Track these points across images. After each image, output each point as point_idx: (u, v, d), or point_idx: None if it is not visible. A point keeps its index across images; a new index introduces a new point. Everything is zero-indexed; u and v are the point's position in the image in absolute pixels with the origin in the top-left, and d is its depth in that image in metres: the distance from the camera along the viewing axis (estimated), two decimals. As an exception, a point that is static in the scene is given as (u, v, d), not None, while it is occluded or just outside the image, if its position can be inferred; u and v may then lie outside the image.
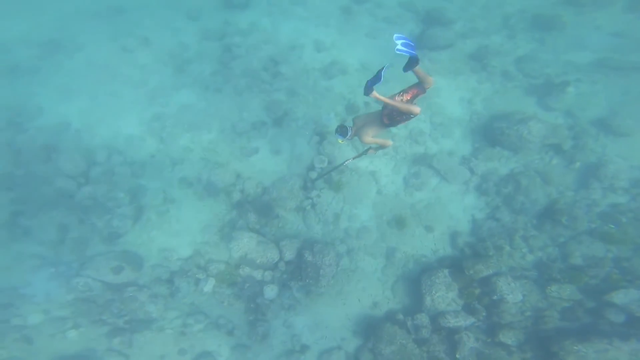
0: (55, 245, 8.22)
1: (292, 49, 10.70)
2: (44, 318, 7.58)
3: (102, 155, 9.41)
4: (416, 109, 5.80)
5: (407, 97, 5.88)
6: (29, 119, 9.79)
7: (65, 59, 10.88)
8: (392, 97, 5.74)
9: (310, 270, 8.10)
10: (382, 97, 5.54)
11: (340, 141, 6.35)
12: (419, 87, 5.74)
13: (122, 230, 8.43)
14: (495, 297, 7.57)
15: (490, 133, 9.28)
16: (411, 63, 5.49)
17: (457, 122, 9.64)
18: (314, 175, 8.87)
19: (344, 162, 7.20)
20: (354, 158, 6.97)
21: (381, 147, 6.43)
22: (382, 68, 5.30)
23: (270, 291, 8.03)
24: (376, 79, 5.37)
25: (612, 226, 7.91)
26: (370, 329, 7.74)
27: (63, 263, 8.02)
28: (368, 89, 5.44)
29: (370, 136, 6.27)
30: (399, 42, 5.48)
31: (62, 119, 9.89)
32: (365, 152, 6.70)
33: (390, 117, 6.05)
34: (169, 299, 7.90)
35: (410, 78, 5.52)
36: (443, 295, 7.79)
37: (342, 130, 6.26)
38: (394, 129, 9.08)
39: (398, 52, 5.38)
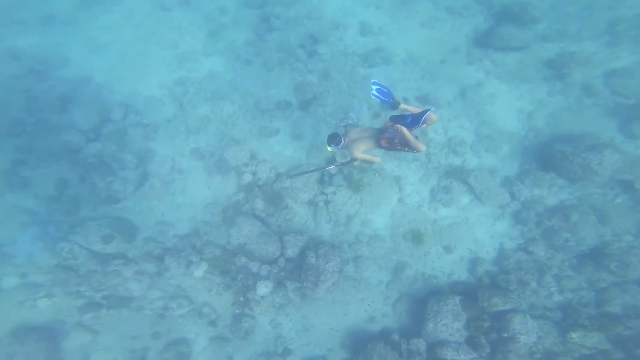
0: (50, 201, 8.27)
1: (335, 28, 10.21)
2: (18, 282, 7.58)
3: (118, 113, 9.34)
4: (422, 147, 6.07)
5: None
6: (52, 69, 9.91)
7: (101, 12, 10.95)
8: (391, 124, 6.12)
9: (311, 274, 7.70)
10: (406, 132, 5.92)
11: (329, 149, 6.39)
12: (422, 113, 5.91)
13: (122, 195, 8.38)
14: (505, 335, 7.18)
15: (548, 156, 8.44)
16: (393, 106, 6.10)
17: (508, 137, 8.88)
18: (333, 170, 8.50)
19: (327, 167, 7.38)
20: (336, 165, 7.02)
21: (369, 162, 6.62)
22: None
23: (264, 287, 7.73)
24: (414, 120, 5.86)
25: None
26: (360, 344, 7.48)
27: (53, 223, 8.04)
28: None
29: (361, 152, 6.40)
30: (374, 87, 6.19)
31: (85, 72, 9.92)
32: (350, 163, 6.72)
33: (391, 142, 6.20)
34: (155, 278, 7.79)
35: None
36: (448, 324, 7.37)
37: (334, 139, 6.33)
38: (430, 132, 8.77)
39: (373, 97, 6.10)
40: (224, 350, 7.43)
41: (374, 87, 6.16)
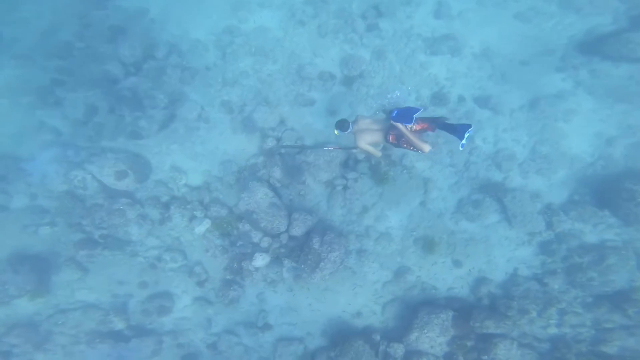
0: (77, 125, 8.56)
1: (406, 3, 9.54)
2: (27, 204, 7.94)
3: (162, 51, 9.38)
4: (427, 148, 6.13)
5: (417, 127, 6.11)
6: (112, -3, 9.90)
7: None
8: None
9: (311, 258, 7.55)
10: (404, 129, 6.02)
11: (335, 133, 6.45)
12: (432, 124, 6.06)
13: (146, 132, 8.52)
14: (485, 358, 7.21)
15: (610, 191, 7.75)
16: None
17: (570, 161, 8.15)
18: (361, 155, 8.15)
19: (325, 147, 7.46)
20: (333, 147, 7.26)
21: (369, 154, 6.76)
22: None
23: (261, 260, 7.72)
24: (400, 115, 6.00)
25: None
26: (340, 336, 7.58)
27: (74, 147, 8.29)
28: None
29: (366, 143, 6.49)
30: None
31: (142, 4, 10.02)
32: (351, 150, 6.97)
33: (398, 139, 6.28)
34: (157, 226, 7.94)
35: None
36: (433, 337, 7.37)
37: (342, 125, 6.41)
38: (478, 139, 8.46)
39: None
40: (205, 311, 7.59)
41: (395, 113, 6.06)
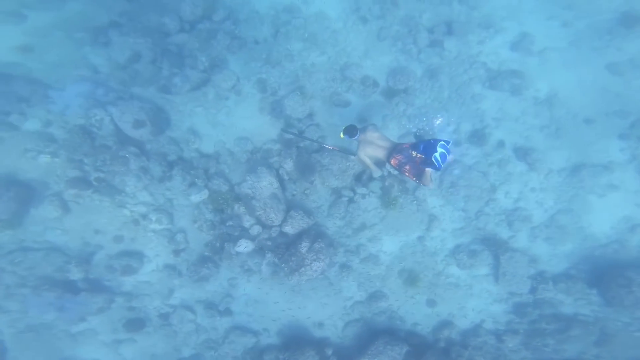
0: (116, 68, 8.80)
1: (484, 27, 9.11)
2: (38, 129, 8.12)
3: (220, 15, 9.43)
4: (431, 184, 6.38)
5: (422, 155, 6.21)
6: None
7: None
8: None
9: (294, 260, 7.57)
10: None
11: (341, 136, 6.64)
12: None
13: (176, 90, 8.75)
14: None
15: (608, 274, 7.86)
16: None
17: (583, 237, 8.14)
18: (377, 172, 7.89)
19: (326, 145, 7.45)
20: (332, 147, 7.29)
21: (366, 167, 6.95)
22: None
23: (245, 246, 7.81)
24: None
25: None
26: (294, 340, 7.80)
27: (105, 87, 8.53)
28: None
29: (366, 155, 6.66)
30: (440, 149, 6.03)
31: None
32: (348, 154, 7.22)
33: (400, 165, 6.39)
34: (155, 182, 8.04)
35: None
36: None
37: (350, 131, 6.59)
38: (501, 193, 8.32)
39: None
40: (170, 281, 7.77)
41: (440, 150, 6.07)
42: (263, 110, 8.49)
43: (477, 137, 8.25)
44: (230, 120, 8.48)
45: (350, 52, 8.92)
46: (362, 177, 8.04)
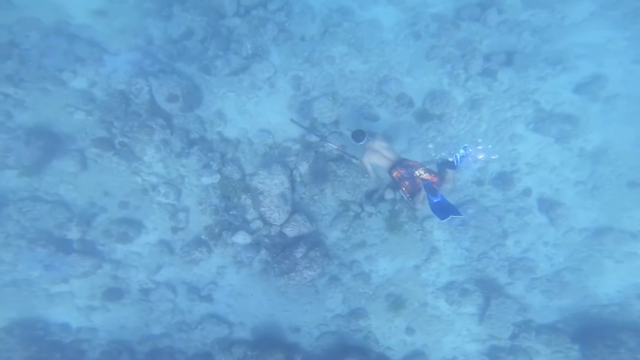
0: (168, 41, 9.19)
1: (552, 63, 8.63)
2: (83, 88, 8.60)
3: (275, 5, 9.47)
4: (419, 205, 6.65)
5: (425, 175, 6.53)
6: None
7: None
8: (418, 164, 6.71)
9: (287, 263, 7.71)
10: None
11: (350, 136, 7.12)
12: (440, 180, 6.53)
13: (215, 72, 9.08)
14: None
15: (598, 333, 7.64)
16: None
17: (584, 295, 7.95)
18: (390, 194, 8.03)
19: (331, 143, 7.68)
20: (337, 147, 7.53)
21: (365, 172, 7.35)
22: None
23: (242, 238, 8.01)
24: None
25: None
26: (266, 340, 7.93)
27: (153, 58, 8.95)
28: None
29: (369, 162, 6.92)
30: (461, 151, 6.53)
31: None
32: (351, 156, 7.53)
33: (401, 179, 6.63)
34: (172, 157, 8.36)
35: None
36: None
37: (358, 136, 6.84)
38: (512, 240, 8.21)
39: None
40: (161, 257, 8.06)
41: (461, 152, 6.61)
42: (292, 107, 8.73)
43: (503, 180, 8.13)
44: (257, 110, 8.79)
45: (393, 66, 8.97)
46: (373, 196, 8.16)
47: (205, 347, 7.96)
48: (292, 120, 8.14)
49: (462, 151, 6.61)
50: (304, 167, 8.24)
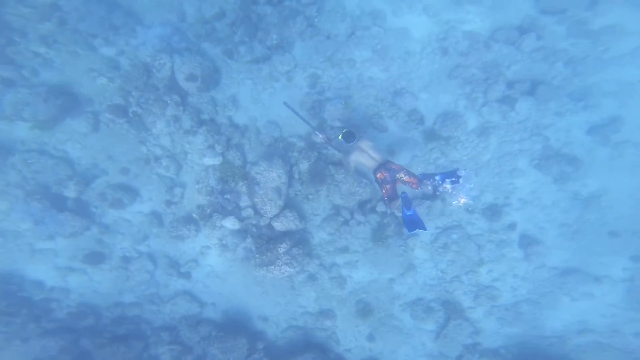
0: (199, 20, 9.28)
1: (575, 98, 8.62)
2: (110, 56, 8.88)
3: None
4: (395, 210, 7.46)
5: (406, 178, 6.90)
6: None
7: None
8: (401, 167, 6.98)
9: (269, 256, 8.01)
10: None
11: (340, 138, 7.22)
12: (420, 184, 6.93)
13: (237, 57, 9.24)
14: None
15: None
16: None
17: (532, 326, 8.45)
18: (381, 208, 8.32)
19: (316, 131, 7.54)
20: (323, 137, 7.54)
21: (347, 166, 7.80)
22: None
23: (231, 224, 8.31)
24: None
25: None
26: (233, 324, 8.35)
27: (181, 36, 9.12)
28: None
29: (354, 160, 7.24)
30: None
31: None
32: (335, 148, 7.75)
33: (383, 181, 6.89)
34: (180, 133, 8.71)
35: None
36: None
37: (348, 136, 7.09)
38: (498, 281, 8.66)
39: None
40: (149, 228, 8.48)
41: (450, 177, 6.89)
42: (304, 104, 8.95)
43: (493, 211, 8.39)
44: (271, 101, 9.03)
45: (412, 79, 9.09)
46: (365, 206, 8.45)
47: (173, 321, 8.42)
48: (284, 103, 8.14)
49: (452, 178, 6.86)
50: (304, 166, 8.50)
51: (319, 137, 7.84)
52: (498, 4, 9.30)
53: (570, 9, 8.97)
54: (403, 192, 7.00)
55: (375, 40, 9.30)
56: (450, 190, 7.05)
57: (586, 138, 8.56)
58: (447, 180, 6.94)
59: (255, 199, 8.22)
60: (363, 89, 8.98)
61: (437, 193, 7.29)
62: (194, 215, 8.44)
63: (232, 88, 9.18)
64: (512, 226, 8.45)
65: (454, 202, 7.47)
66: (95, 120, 8.73)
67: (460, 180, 6.86)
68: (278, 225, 8.19)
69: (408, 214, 6.77)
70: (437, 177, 7.01)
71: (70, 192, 8.35)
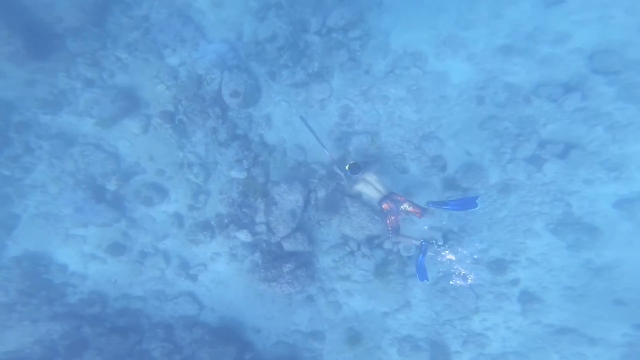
0: (253, 41, 9.93)
1: (608, 168, 8.43)
2: (174, 65, 9.79)
3: (356, 33, 9.75)
4: (398, 241, 8.03)
5: (410, 208, 7.30)
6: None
7: None
8: (405, 199, 7.39)
9: (273, 272, 8.43)
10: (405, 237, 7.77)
11: (346, 167, 7.72)
12: (424, 213, 7.31)
13: (279, 80, 9.67)
14: None
15: None
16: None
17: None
18: (388, 245, 8.64)
19: (327, 151, 8.10)
20: (331, 157, 8.09)
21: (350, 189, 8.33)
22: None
23: (244, 237, 8.89)
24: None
25: None
26: (227, 331, 8.73)
27: (235, 53, 9.85)
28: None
29: (359, 188, 7.69)
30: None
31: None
32: (343, 174, 8.06)
33: (387, 212, 7.30)
34: (214, 144, 9.25)
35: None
36: None
37: (354, 169, 7.53)
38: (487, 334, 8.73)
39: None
40: (170, 228, 9.16)
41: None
42: (332, 134, 9.48)
43: (498, 266, 8.49)
44: (301, 126, 9.38)
45: (442, 125, 9.33)
46: (373, 241, 8.84)
47: (171, 320, 9.03)
48: (300, 117, 8.87)
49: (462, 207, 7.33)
50: (321, 193, 9.00)
51: (328, 155, 8.29)
52: (549, 58, 9.35)
53: (625, 71, 8.82)
54: (424, 240, 7.54)
55: (413, 81, 9.64)
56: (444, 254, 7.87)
57: (611, 210, 8.43)
58: (461, 210, 7.25)
59: (270, 218, 8.83)
60: (391, 127, 9.37)
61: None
62: (212, 223, 9.13)
63: (269, 107, 9.87)
64: (515, 282, 8.53)
65: (442, 254, 8.13)
66: (147, 123, 9.74)
67: (477, 205, 7.14)
68: (287, 245, 8.76)
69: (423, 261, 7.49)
70: (447, 207, 7.35)
71: (111, 185, 9.34)
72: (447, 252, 8.53)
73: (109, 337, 8.59)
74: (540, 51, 9.41)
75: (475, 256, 8.71)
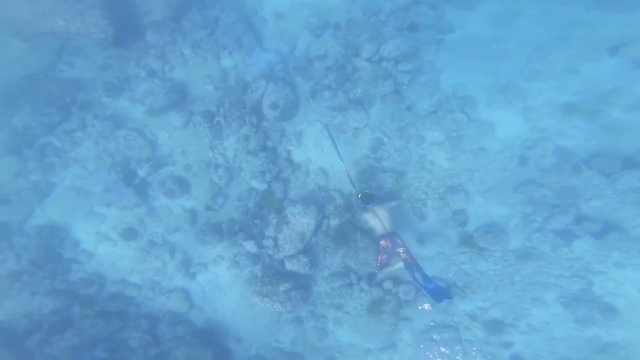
0: (303, 56, 10.36)
1: None
2: (227, 67, 10.40)
3: (406, 67, 9.88)
4: (380, 275, 7.97)
5: (403, 255, 7.51)
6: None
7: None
8: (404, 244, 7.59)
9: (269, 288, 8.60)
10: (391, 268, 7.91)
11: (359, 196, 8.07)
12: (410, 265, 7.43)
13: (319, 99, 9.96)
14: None
15: None
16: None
17: None
18: (388, 285, 8.52)
19: (347, 171, 8.52)
20: (346, 170, 8.53)
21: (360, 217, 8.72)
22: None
23: (250, 247, 9.14)
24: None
25: None
26: (210, 335, 8.73)
27: (284, 65, 10.23)
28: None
29: (368, 218, 7.96)
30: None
31: None
32: (356, 201, 8.34)
33: (384, 249, 7.60)
34: (244, 152, 9.53)
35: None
36: None
37: (367, 199, 7.84)
38: None
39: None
40: (182, 224, 9.47)
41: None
42: (358, 164, 9.70)
43: (495, 327, 8.17)
44: (329, 150, 9.66)
45: (473, 179, 9.24)
46: (373, 278, 8.77)
47: (159, 313, 9.26)
48: (325, 126, 9.32)
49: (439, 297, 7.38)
50: (334, 221, 9.24)
51: (344, 168, 8.75)
52: (617, 125, 8.88)
53: (699, 160, 8.27)
54: (404, 261, 7.68)
55: (455, 126, 9.63)
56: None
57: (637, 296, 7.85)
58: (432, 297, 7.31)
59: (280, 235, 9.09)
60: (420, 171, 9.42)
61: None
62: (223, 226, 9.40)
63: (302, 125, 10.25)
64: (507, 345, 8.11)
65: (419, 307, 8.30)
66: (188, 118, 10.41)
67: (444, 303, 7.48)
68: (289, 265, 8.99)
69: (431, 287, 7.42)
70: (428, 288, 7.36)
71: (142, 171, 9.94)
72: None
73: (94, 321, 8.85)
74: (610, 116, 9.04)
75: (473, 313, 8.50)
